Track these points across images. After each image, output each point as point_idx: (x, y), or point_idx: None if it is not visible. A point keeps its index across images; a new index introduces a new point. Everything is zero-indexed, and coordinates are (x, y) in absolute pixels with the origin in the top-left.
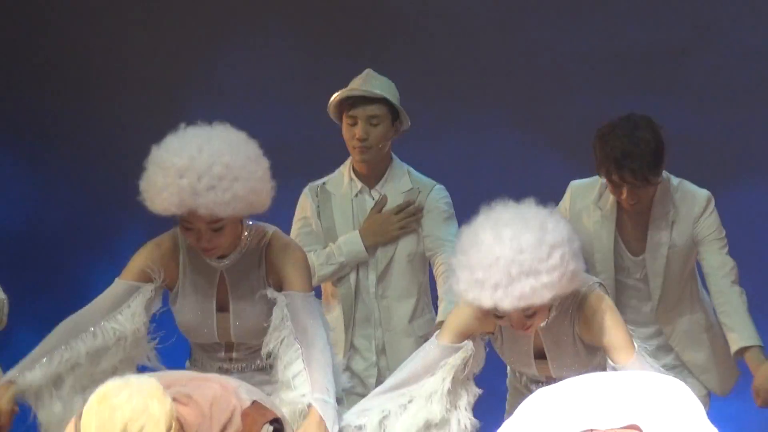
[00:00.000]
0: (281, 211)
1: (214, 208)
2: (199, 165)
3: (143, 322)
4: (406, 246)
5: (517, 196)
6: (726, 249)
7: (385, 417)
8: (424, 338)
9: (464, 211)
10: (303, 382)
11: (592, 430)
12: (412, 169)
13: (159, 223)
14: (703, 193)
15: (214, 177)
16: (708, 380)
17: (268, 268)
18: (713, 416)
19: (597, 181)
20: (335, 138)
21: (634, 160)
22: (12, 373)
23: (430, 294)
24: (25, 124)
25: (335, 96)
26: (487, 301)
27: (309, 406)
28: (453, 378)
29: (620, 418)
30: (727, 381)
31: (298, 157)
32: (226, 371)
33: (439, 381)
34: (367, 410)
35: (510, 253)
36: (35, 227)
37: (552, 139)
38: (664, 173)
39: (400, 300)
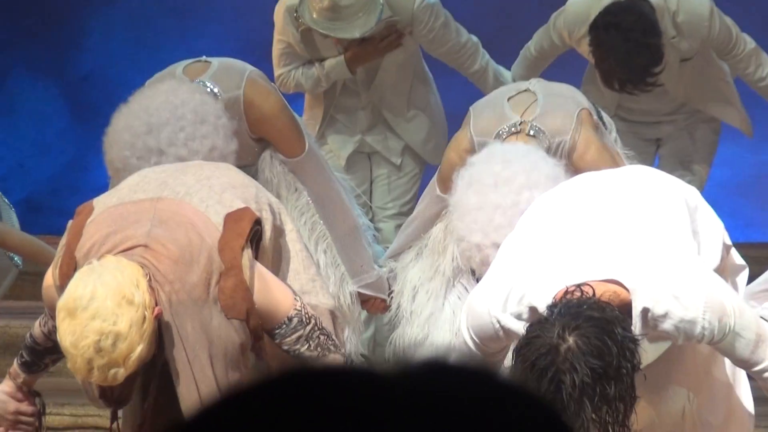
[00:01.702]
0: None
1: None
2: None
3: None
4: (394, 56)
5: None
6: (743, 46)
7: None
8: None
9: None
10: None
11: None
12: None
13: None
14: (704, 6)
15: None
16: (732, 119)
17: None
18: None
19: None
20: None
21: (634, 84)
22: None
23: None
24: None
25: (305, 21)
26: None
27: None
28: None
29: (601, 272)
30: (747, 120)
31: None
32: None
33: (443, 228)
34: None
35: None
36: None
37: None
38: None
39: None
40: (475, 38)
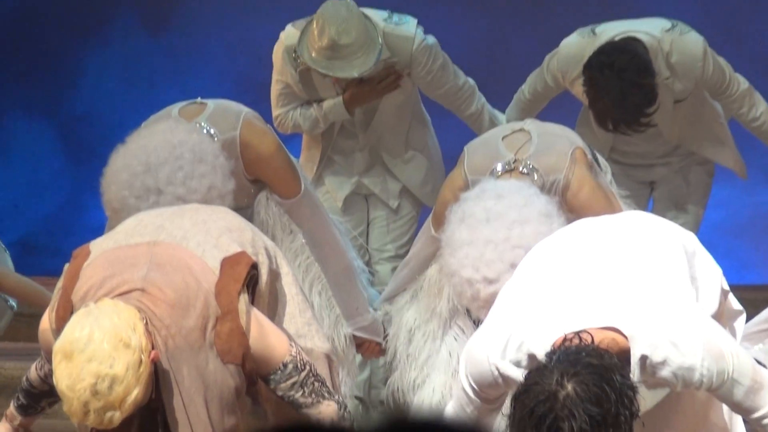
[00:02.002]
0: None
1: None
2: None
3: None
4: (392, 98)
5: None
6: (737, 86)
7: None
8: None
9: None
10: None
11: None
12: (385, 25)
13: (152, 10)
14: (698, 47)
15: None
16: (726, 160)
17: None
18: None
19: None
20: None
21: (627, 125)
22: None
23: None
24: None
25: (304, 60)
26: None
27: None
28: None
29: (600, 319)
30: (741, 162)
31: None
32: None
33: (438, 269)
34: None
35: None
36: (26, 11)
37: None
38: (657, 32)
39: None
40: (471, 81)
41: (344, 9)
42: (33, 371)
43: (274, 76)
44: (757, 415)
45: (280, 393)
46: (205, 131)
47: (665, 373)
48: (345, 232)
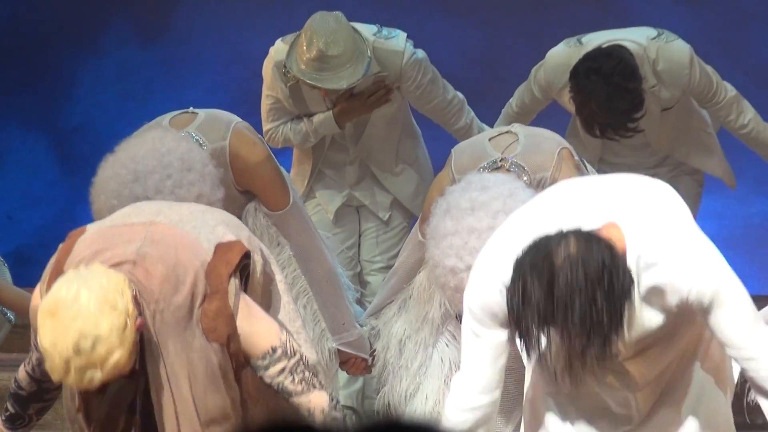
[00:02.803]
0: None
1: None
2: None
3: None
4: (382, 111)
5: None
6: (724, 94)
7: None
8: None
9: None
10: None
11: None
12: (375, 39)
13: (146, 21)
14: (684, 54)
15: None
16: (714, 169)
17: None
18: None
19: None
20: None
21: (614, 129)
22: None
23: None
24: None
25: (292, 73)
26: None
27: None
28: None
29: (601, 218)
30: (729, 171)
31: None
32: None
33: (427, 275)
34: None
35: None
36: (20, 23)
37: None
38: (643, 41)
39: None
40: (461, 95)
41: (333, 21)
42: (21, 370)
43: (264, 91)
44: (745, 352)
45: (268, 380)
46: (194, 140)
47: (657, 277)
48: (333, 247)
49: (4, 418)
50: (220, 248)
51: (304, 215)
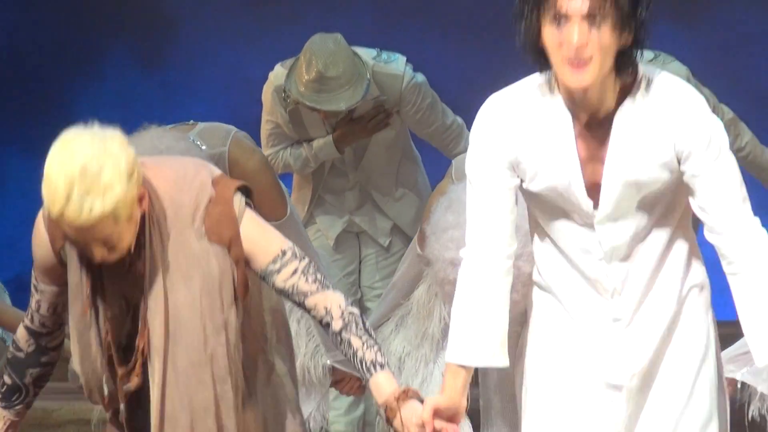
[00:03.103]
0: None
1: None
2: None
3: None
4: (382, 136)
5: None
6: (721, 116)
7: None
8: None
9: None
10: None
11: None
12: (374, 63)
13: (145, 46)
14: (681, 76)
15: None
16: None
17: None
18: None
19: None
20: None
21: None
22: None
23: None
24: None
25: (292, 95)
26: None
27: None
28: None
29: None
30: None
31: None
32: None
33: (426, 289)
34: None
35: None
36: (20, 50)
37: None
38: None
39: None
40: (460, 120)
41: (332, 42)
42: (19, 328)
43: (264, 116)
44: (719, 222)
45: (281, 285)
46: (193, 143)
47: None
48: (333, 274)
49: (0, 396)
50: (224, 175)
51: (300, 229)
